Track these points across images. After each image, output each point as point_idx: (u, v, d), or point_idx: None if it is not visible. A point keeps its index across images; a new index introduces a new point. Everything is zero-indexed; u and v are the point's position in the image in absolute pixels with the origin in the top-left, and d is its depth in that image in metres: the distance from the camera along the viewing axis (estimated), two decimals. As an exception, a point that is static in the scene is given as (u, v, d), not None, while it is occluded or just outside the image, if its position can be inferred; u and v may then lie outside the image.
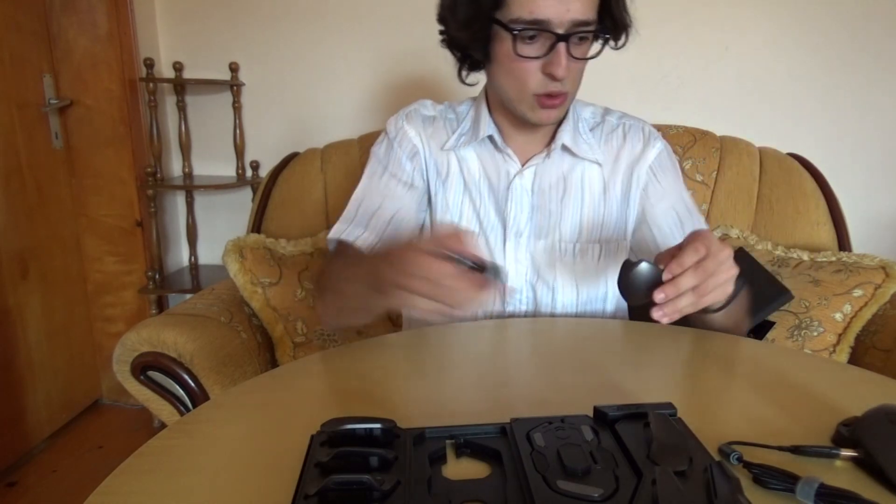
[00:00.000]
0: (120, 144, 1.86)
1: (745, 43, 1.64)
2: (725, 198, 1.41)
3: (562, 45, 0.75)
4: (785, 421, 0.56)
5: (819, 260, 1.27)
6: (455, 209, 0.93)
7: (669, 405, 0.52)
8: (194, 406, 1.05)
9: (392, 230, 0.89)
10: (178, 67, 1.82)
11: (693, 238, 0.64)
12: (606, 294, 0.93)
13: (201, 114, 1.95)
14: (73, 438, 1.87)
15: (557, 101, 0.81)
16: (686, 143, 1.43)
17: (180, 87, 1.89)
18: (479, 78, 0.92)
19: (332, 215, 1.47)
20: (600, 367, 0.69)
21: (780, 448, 0.50)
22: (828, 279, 1.22)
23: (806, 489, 0.43)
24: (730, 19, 1.63)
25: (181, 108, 1.91)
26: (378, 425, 0.48)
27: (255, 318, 1.24)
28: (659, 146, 0.93)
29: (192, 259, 2.03)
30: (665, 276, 0.63)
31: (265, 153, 1.93)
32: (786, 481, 0.45)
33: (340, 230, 0.89)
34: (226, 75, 1.86)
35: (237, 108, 1.88)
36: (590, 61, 0.83)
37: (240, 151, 1.91)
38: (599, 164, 0.92)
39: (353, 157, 1.50)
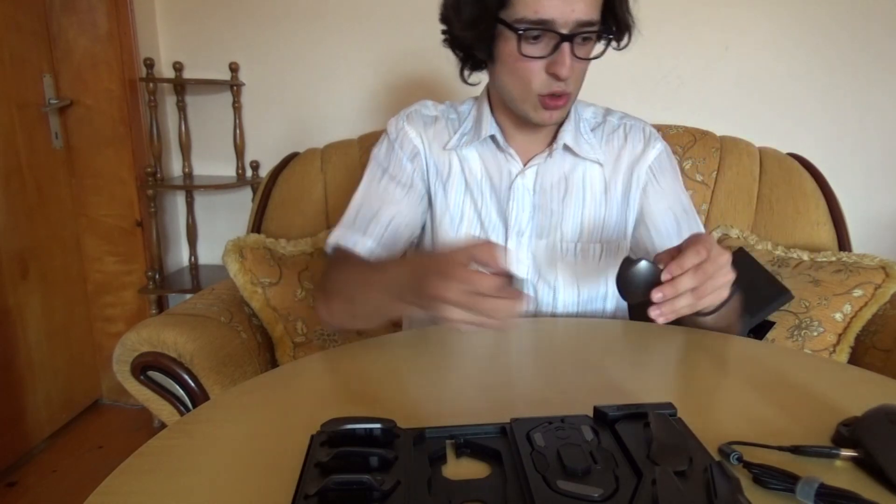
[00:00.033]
0: (120, 144, 1.86)
1: (745, 43, 1.64)
2: (725, 198, 1.41)
3: (566, 45, 0.76)
4: (785, 421, 0.56)
5: (819, 260, 1.27)
6: (456, 209, 0.93)
7: (669, 405, 0.52)
8: (194, 406, 1.05)
9: (390, 234, 0.89)
10: (178, 67, 1.82)
11: (694, 241, 0.65)
12: (607, 293, 0.93)
13: (201, 114, 1.95)
14: (73, 438, 1.87)
15: (560, 102, 0.81)
16: (686, 143, 1.43)
17: (180, 87, 1.89)
18: (481, 78, 0.92)
19: (332, 215, 1.47)
20: (600, 367, 0.69)
21: (780, 448, 0.50)
22: (828, 279, 1.22)
23: (806, 489, 0.43)
24: (730, 19, 1.63)
25: (181, 108, 1.91)
26: (378, 425, 0.48)
27: (255, 318, 1.24)
28: (659, 147, 0.94)
29: (192, 259, 2.03)
30: (664, 277, 0.63)
31: (265, 153, 1.93)
32: (786, 481, 0.45)
33: (339, 236, 0.89)
34: (226, 75, 1.86)
35: (237, 108, 1.88)
36: (590, 62, 0.83)
37: (240, 151, 1.91)
38: (601, 164, 0.92)
39: (353, 157, 1.50)
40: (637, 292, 0.65)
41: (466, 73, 0.91)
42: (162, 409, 1.08)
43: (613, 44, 0.84)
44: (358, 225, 0.89)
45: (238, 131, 1.89)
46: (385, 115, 1.82)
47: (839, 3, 1.58)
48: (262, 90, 1.89)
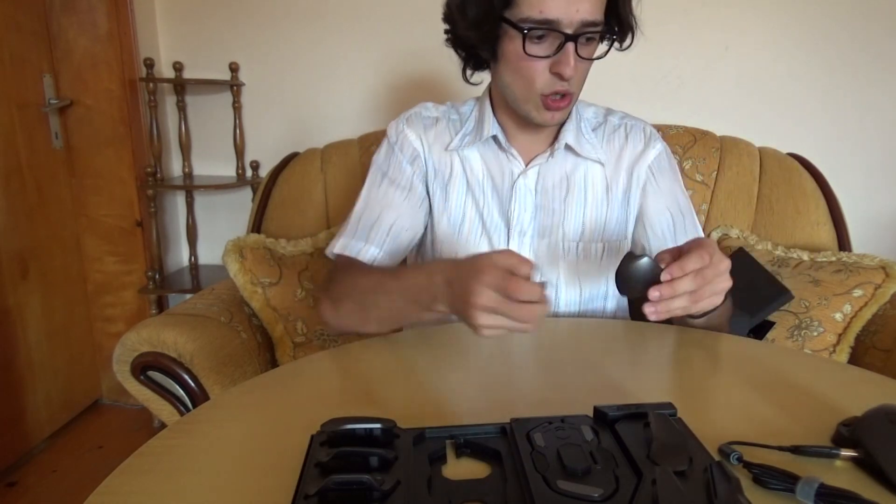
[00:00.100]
0: (120, 144, 1.86)
1: (745, 43, 1.64)
2: (725, 198, 1.41)
3: (570, 45, 0.76)
4: (785, 421, 0.56)
5: (819, 260, 1.27)
6: (458, 209, 0.93)
7: (669, 405, 0.52)
8: (194, 406, 1.05)
9: (392, 239, 0.90)
10: (178, 67, 1.82)
11: (698, 245, 0.65)
12: (607, 292, 0.94)
13: (201, 114, 1.95)
14: (73, 438, 1.87)
15: (563, 103, 0.81)
16: (686, 143, 1.43)
17: (180, 87, 1.89)
18: (483, 77, 0.92)
19: (332, 215, 1.47)
20: (600, 367, 0.69)
21: (780, 448, 0.50)
22: (828, 279, 1.22)
23: (806, 489, 0.43)
24: (730, 19, 1.63)
25: (181, 108, 1.91)
26: (378, 425, 0.48)
27: (255, 318, 1.24)
28: (659, 147, 0.94)
29: (192, 259, 2.03)
30: (664, 277, 0.63)
31: (265, 153, 1.92)
32: (786, 481, 0.45)
33: (342, 245, 0.90)
34: (226, 75, 1.86)
35: (237, 108, 1.88)
36: (593, 62, 0.83)
37: (240, 151, 1.91)
38: (602, 164, 0.93)
39: (353, 157, 1.50)
40: (635, 287, 0.66)
41: (469, 72, 0.92)
42: (162, 409, 1.08)
43: (616, 44, 0.85)
44: (360, 232, 0.90)
45: (238, 131, 1.89)
46: (385, 115, 1.83)
47: (839, 3, 1.58)
48: (262, 90, 1.89)
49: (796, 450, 0.49)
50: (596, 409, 0.52)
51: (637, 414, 0.51)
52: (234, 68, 1.84)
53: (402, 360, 0.72)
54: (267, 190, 1.49)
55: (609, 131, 0.95)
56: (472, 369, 0.70)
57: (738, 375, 0.68)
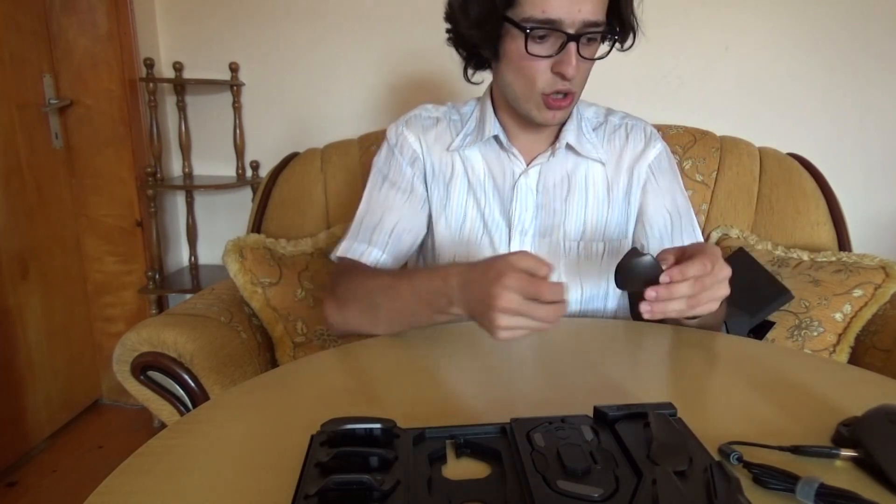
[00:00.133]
0: (120, 144, 1.86)
1: (745, 43, 1.64)
2: (725, 198, 1.41)
3: (572, 45, 0.76)
4: (785, 421, 0.56)
5: (819, 260, 1.27)
6: (459, 209, 0.93)
7: (669, 405, 0.52)
8: (194, 406, 1.05)
9: (395, 241, 0.90)
10: (178, 67, 1.82)
11: (702, 251, 0.65)
12: (608, 292, 0.94)
13: (201, 114, 1.95)
14: (73, 438, 1.87)
15: (564, 102, 0.82)
16: (686, 143, 1.43)
17: (180, 87, 1.89)
18: (484, 77, 0.92)
19: (332, 215, 1.47)
20: (600, 367, 0.69)
21: (780, 448, 0.50)
22: (828, 279, 1.22)
23: (806, 489, 0.43)
24: (730, 19, 1.63)
25: (181, 108, 1.91)
26: (378, 425, 0.48)
27: (255, 318, 1.24)
28: (659, 147, 0.95)
29: (192, 259, 2.03)
30: (663, 279, 0.63)
31: (265, 153, 1.92)
32: (786, 481, 0.45)
33: (345, 248, 0.90)
34: (226, 75, 1.86)
35: (237, 108, 1.88)
36: (594, 62, 0.83)
37: (240, 151, 1.91)
38: (603, 164, 0.93)
39: (353, 157, 1.50)
40: (634, 283, 0.66)
41: (470, 72, 0.92)
42: (162, 409, 1.08)
43: (617, 45, 0.85)
44: (363, 235, 0.90)
45: (238, 131, 1.89)
46: (385, 115, 1.83)
47: (839, 3, 1.58)
48: (262, 90, 1.89)
49: (796, 450, 0.49)
50: (596, 409, 0.52)
51: (637, 414, 0.51)
52: (234, 68, 1.84)
53: (402, 360, 0.72)
54: (267, 190, 1.49)
55: (610, 131, 0.95)
56: (472, 369, 0.70)
57: (738, 375, 0.68)
